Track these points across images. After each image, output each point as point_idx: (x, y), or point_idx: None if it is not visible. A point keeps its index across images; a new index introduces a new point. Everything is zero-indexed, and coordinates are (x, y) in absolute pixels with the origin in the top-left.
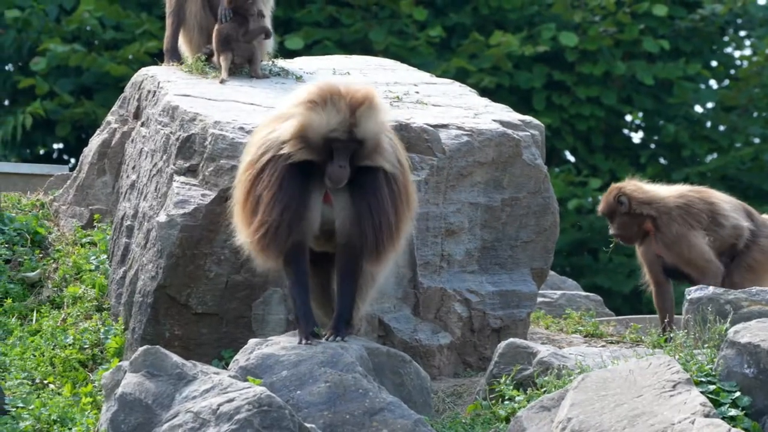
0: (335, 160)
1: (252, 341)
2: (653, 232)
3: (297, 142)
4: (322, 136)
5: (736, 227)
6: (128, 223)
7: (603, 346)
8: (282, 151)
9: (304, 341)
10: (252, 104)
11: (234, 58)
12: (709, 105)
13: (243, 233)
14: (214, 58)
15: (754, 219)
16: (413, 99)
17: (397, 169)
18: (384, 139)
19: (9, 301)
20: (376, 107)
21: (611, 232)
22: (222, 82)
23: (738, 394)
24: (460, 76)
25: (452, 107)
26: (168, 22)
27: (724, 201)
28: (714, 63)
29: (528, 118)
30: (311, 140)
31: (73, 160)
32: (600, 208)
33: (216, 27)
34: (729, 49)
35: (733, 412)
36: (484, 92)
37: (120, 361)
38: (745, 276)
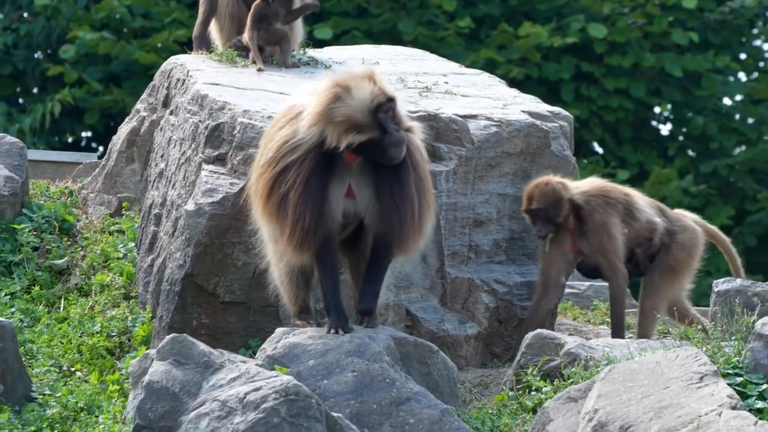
0: (388, 128)
1: (279, 330)
2: (573, 225)
3: (347, 133)
4: (369, 111)
5: (650, 222)
6: (156, 211)
7: (630, 337)
8: (335, 144)
9: (332, 331)
10: (281, 93)
11: (258, 39)
12: (738, 97)
13: (271, 229)
14: (244, 36)
15: (668, 216)
16: (442, 89)
17: (421, 152)
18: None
19: (37, 288)
20: (379, 74)
21: (540, 230)
22: (259, 70)
23: (765, 386)
24: (489, 67)
25: (481, 98)
26: (200, 9)
27: (639, 196)
28: (743, 55)
29: (557, 109)
30: (361, 123)
31: (101, 148)
32: (530, 205)
33: (255, 3)
34: (758, 42)
35: (760, 404)
36: (512, 83)
37: (147, 349)
38: (665, 277)
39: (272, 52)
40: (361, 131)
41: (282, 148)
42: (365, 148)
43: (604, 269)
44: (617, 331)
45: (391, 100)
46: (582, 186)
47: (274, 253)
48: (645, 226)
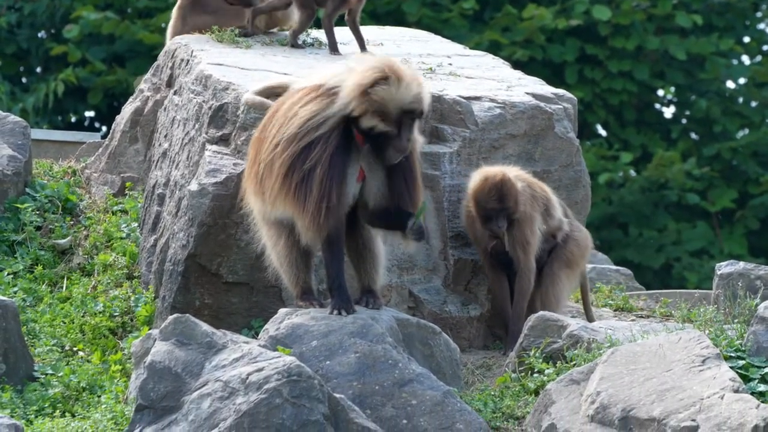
0: (404, 133)
1: (282, 311)
2: None
3: (374, 115)
4: (400, 109)
5: (560, 220)
6: (160, 191)
7: (633, 320)
8: (357, 120)
9: (335, 312)
10: (285, 74)
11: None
12: (741, 80)
13: (285, 210)
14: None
15: (569, 217)
16: (446, 71)
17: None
18: None
19: (39, 267)
20: (425, 82)
21: (502, 227)
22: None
23: (767, 369)
24: (493, 49)
25: (485, 79)
26: None
27: (553, 193)
28: (746, 39)
29: (561, 91)
30: (389, 114)
31: (104, 128)
32: (502, 203)
33: None
34: (762, 25)
35: (762, 387)
36: (516, 65)
37: (150, 329)
38: (563, 269)
39: (279, 21)
40: (384, 120)
41: (306, 124)
42: (372, 136)
43: (519, 263)
44: (516, 324)
45: (422, 113)
46: (513, 171)
47: (270, 236)
48: (556, 224)
